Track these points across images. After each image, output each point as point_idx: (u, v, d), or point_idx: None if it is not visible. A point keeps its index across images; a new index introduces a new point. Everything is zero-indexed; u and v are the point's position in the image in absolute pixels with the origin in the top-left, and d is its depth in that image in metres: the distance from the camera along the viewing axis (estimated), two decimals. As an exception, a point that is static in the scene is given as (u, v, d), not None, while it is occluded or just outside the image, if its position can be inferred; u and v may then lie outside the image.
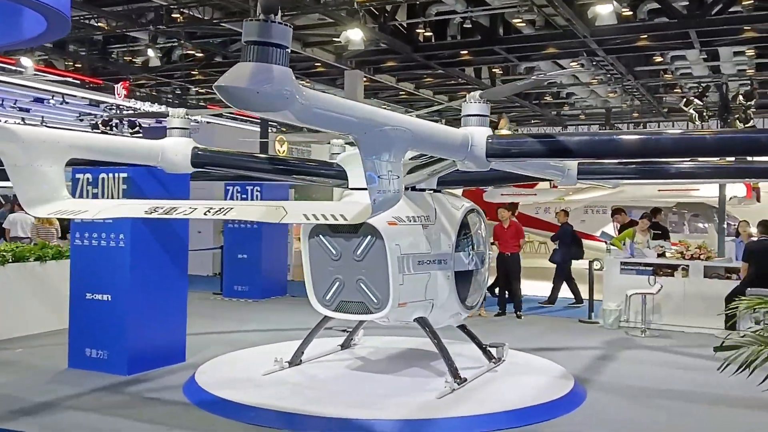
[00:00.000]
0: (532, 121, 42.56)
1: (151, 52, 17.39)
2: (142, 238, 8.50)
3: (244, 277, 14.78)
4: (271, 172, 8.03)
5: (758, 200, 22.11)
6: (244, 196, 14.92)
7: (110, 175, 8.49)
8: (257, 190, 14.72)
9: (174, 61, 26.25)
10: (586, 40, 21.83)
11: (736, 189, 19.13)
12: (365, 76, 24.76)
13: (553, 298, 14.48)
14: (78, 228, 8.75)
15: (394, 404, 7.00)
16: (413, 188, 7.92)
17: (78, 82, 30.02)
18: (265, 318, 12.60)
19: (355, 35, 14.37)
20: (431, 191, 8.21)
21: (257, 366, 8.44)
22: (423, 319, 7.82)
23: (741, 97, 15.01)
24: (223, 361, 8.85)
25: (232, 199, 15.16)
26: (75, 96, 29.80)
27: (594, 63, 27.96)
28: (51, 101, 31.02)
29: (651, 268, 12.25)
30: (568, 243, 14.86)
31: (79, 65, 28.12)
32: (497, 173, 7.68)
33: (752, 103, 15.00)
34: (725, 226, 22.44)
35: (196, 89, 34.08)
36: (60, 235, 16.44)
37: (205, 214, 5.41)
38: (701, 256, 12.05)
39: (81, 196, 8.70)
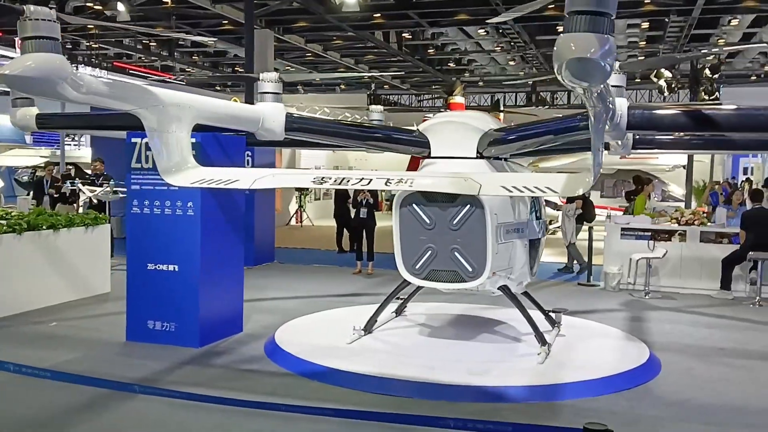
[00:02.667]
0: (433, 87, 43.30)
1: (120, 6, 16.26)
2: (210, 206, 8.20)
3: (235, 243, 14.40)
4: (359, 139, 7.87)
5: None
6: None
7: (176, 140, 8.10)
8: (248, 154, 14.30)
9: (68, 12, 24.73)
10: (497, 8, 22.42)
11: (682, 158, 20.25)
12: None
13: None
14: (136, 195, 8.32)
15: (506, 370, 7.17)
16: (496, 158, 7.99)
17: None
18: (278, 285, 12.42)
19: (350, -3, 14.10)
20: (504, 160, 8.32)
21: (329, 334, 8.44)
22: (506, 287, 7.97)
23: (707, 71, 15.84)
24: (289, 330, 8.67)
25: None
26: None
27: (500, 31, 28.77)
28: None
29: (649, 233, 12.89)
30: None
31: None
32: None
33: (717, 76, 15.86)
34: (661, 191, 23.85)
35: (89, 43, 32.36)
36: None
37: (386, 183, 5.31)
38: (695, 222, 12.78)
39: (139, 162, 8.29)
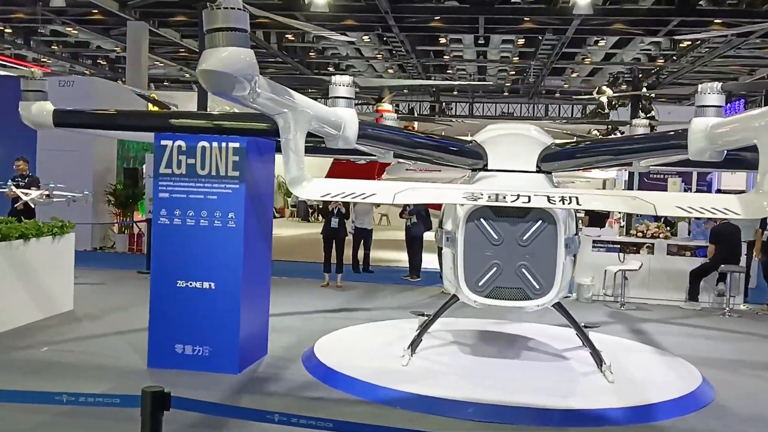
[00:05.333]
0: (309, 90, 43.03)
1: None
2: (250, 217, 7.46)
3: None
4: (422, 148, 7.41)
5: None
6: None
7: (215, 144, 7.31)
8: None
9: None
10: (386, 15, 22.82)
11: (609, 173, 21.01)
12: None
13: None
14: (165, 204, 7.43)
15: (586, 391, 6.96)
16: (549, 172, 7.77)
17: None
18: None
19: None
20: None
21: (373, 355, 7.99)
22: (559, 303, 7.80)
23: (645, 89, 16.50)
24: (327, 351, 8.03)
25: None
26: None
27: (384, 39, 29.16)
28: None
29: (618, 246, 13.18)
30: (425, 216, 14.83)
31: None
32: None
33: (653, 95, 16.57)
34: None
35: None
36: None
37: (548, 201, 4.94)
38: (660, 235, 13.21)
39: (169, 167, 7.42)
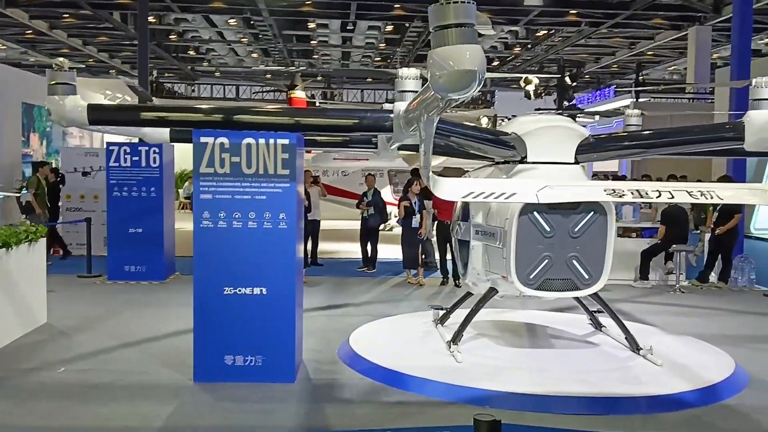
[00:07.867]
0: (166, 75, 41.71)
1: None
2: (297, 218, 7.08)
3: (140, 255, 12.54)
4: (465, 139, 7.27)
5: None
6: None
7: (261, 141, 6.86)
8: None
9: None
10: None
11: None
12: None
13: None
14: (207, 205, 6.89)
15: (651, 376, 7.08)
16: (582, 163, 7.89)
17: None
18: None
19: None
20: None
21: (418, 352, 7.87)
22: (596, 293, 7.97)
23: (567, 78, 17.16)
24: (366, 351, 7.77)
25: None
26: None
27: (251, 23, 28.91)
28: None
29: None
30: (382, 208, 14.96)
31: None
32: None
33: (576, 84, 17.26)
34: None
35: None
36: None
37: (689, 195, 5.03)
38: (609, 218, 13.83)
39: (211, 166, 6.88)
